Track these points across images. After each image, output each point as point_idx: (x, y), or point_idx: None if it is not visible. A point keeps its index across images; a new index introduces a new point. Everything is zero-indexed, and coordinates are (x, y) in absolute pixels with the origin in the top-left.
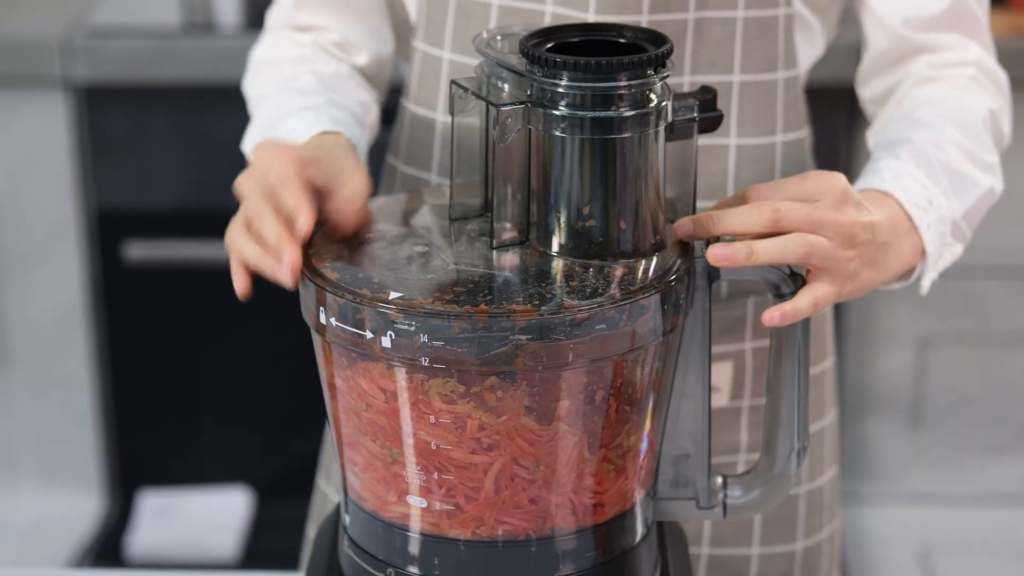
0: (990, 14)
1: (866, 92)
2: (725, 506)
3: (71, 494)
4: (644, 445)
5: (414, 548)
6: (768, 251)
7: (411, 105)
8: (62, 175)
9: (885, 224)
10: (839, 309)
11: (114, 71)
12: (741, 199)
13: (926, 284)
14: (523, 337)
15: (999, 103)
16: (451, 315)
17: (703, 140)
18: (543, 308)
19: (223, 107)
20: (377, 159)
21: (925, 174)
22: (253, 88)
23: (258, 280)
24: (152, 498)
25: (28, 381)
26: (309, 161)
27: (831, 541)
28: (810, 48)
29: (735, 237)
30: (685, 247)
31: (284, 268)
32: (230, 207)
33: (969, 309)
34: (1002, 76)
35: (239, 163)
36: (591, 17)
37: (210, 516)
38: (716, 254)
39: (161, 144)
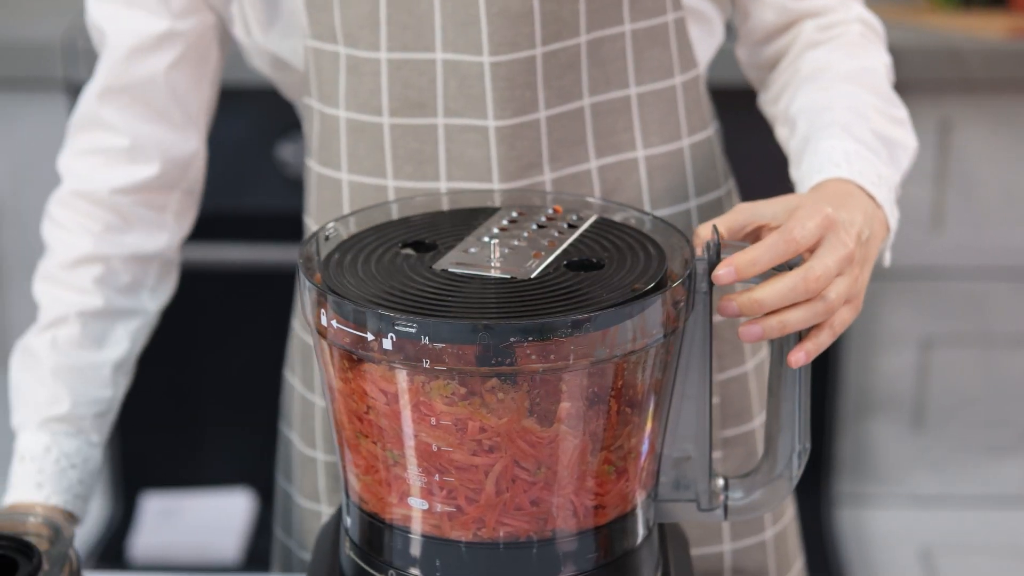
0: (990, 14)
1: (750, 58)
2: (726, 508)
3: None
4: (645, 447)
5: (415, 550)
6: (798, 322)
7: (315, 165)
8: None
9: (864, 219)
10: None
11: None
12: (754, 235)
13: (888, 256)
14: (524, 339)
15: (885, 54)
16: (452, 317)
17: (611, 158)
18: (544, 310)
19: (224, 110)
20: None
21: (867, 148)
22: (16, 367)
23: (258, 282)
24: (155, 500)
25: None
26: None
27: (793, 523)
28: (709, 39)
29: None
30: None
31: None
32: (231, 209)
33: (971, 310)
34: (880, 26)
35: (241, 165)
36: (486, 59)
37: (213, 518)
38: (748, 333)
39: None
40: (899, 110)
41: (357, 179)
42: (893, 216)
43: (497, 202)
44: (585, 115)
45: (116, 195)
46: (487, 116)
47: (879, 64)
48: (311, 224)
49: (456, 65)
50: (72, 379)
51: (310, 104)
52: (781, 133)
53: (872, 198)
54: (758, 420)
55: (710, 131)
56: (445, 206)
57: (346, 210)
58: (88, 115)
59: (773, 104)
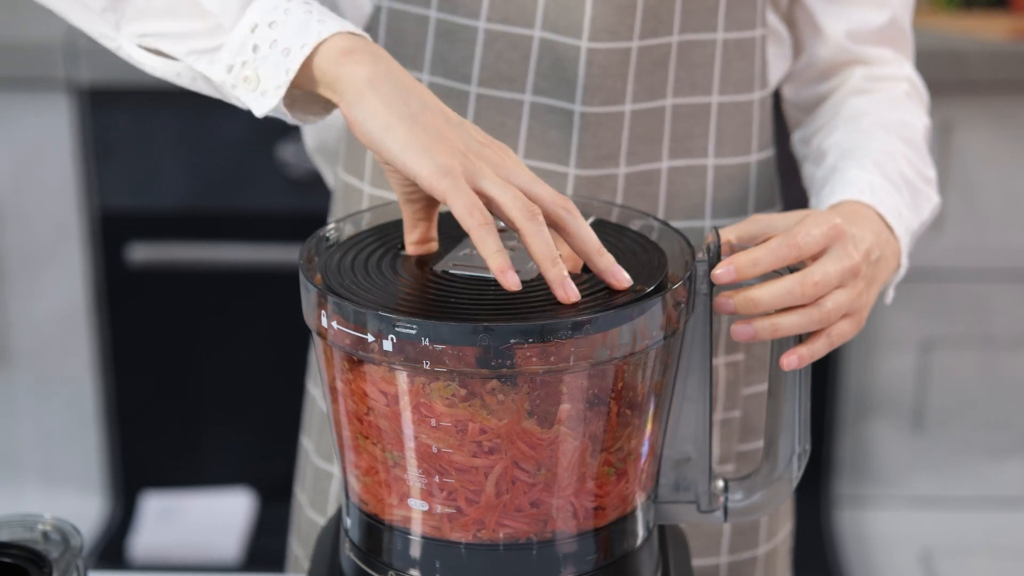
0: (991, 16)
1: (795, 96)
2: (726, 509)
3: (74, 496)
4: (645, 448)
5: (415, 551)
6: (791, 326)
7: (341, 173)
8: (66, 177)
9: (875, 241)
10: None
11: (118, 73)
12: (763, 238)
13: (891, 294)
14: (524, 340)
15: (927, 118)
16: (453, 318)
17: (682, 161)
18: (544, 311)
19: (227, 110)
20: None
21: (892, 186)
22: None
23: (259, 282)
24: (155, 500)
25: (31, 383)
26: None
27: (786, 543)
28: (782, 61)
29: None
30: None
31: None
32: (233, 209)
33: (972, 312)
34: (925, 92)
35: (242, 165)
36: (584, 44)
37: (213, 518)
38: (740, 332)
39: (165, 146)
40: (929, 169)
41: None
42: (906, 254)
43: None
44: (666, 115)
45: None
46: (575, 100)
47: (919, 123)
48: (364, 187)
49: (553, 45)
50: None
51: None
52: (808, 170)
53: (890, 228)
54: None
55: (772, 150)
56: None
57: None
58: None
59: (806, 143)
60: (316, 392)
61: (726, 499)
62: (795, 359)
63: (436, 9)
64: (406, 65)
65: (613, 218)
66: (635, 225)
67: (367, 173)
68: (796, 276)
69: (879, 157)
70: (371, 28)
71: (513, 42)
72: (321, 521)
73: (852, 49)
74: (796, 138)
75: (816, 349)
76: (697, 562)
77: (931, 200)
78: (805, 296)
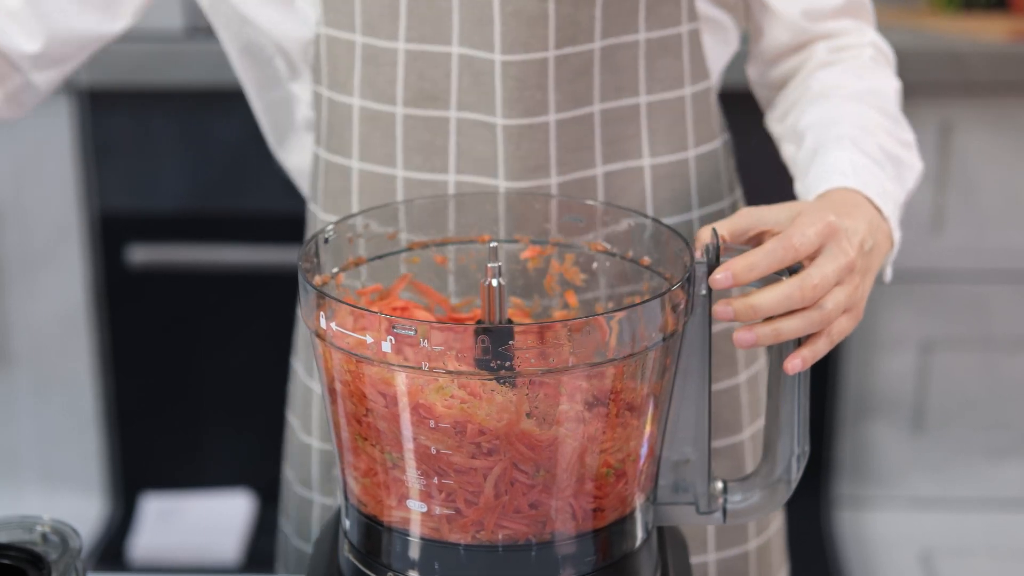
0: (991, 17)
1: (760, 77)
2: (725, 511)
3: (74, 497)
4: (644, 450)
5: (414, 552)
6: (794, 330)
7: (323, 153)
8: (65, 178)
9: (868, 229)
10: None
11: (117, 75)
12: (757, 240)
13: (889, 272)
14: (523, 342)
15: (897, 80)
16: (451, 320)
17: (617, 164)
18: (543, 313)
19: (226, 111)
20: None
21: (874, 163)
22: None
23: (259, 283)
24: (155, 501)
25: (31, 384)
26: None
27: (779, 535)
28: (724, 48)
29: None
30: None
31: None
32: (232, 210)
33: (972, 313)
34: (891, 53)
35: (242, 166)
36: (498, 58)
37: (212, 519)
38: (742, 339)
39: (164, 148)
40: (907, 133)
41: (368, 167)
42: (897, 231)
43: (502, 204)
44: (594, 121)
45: None
46: (496, 114)
47: (889, 87)
48: (317, 211)
49: (471, 60)
50: None
51: (319, 92)
52: (787, 150)
53: (878, 210)
54: (747, 432)
55: (718, 143)
56: (451, 207)
57: (355, 198)
58: None
59: (780, 122)
60: (298, 366)
61: (725, 500)
62: (799, 362)
63: (360, 33)
64: (340, 90)
65: (600, 216)
66: (625, 224)
67: (355, 151)
68: (795, 280)
69: (856, 134)
70: (315, 55)
71: (433, 60)
72: (307, 495)
73: (811, 28)
74: (768, 118)
75: (818, 349)
76: None
77: (914, 168)
78: (805, 300)
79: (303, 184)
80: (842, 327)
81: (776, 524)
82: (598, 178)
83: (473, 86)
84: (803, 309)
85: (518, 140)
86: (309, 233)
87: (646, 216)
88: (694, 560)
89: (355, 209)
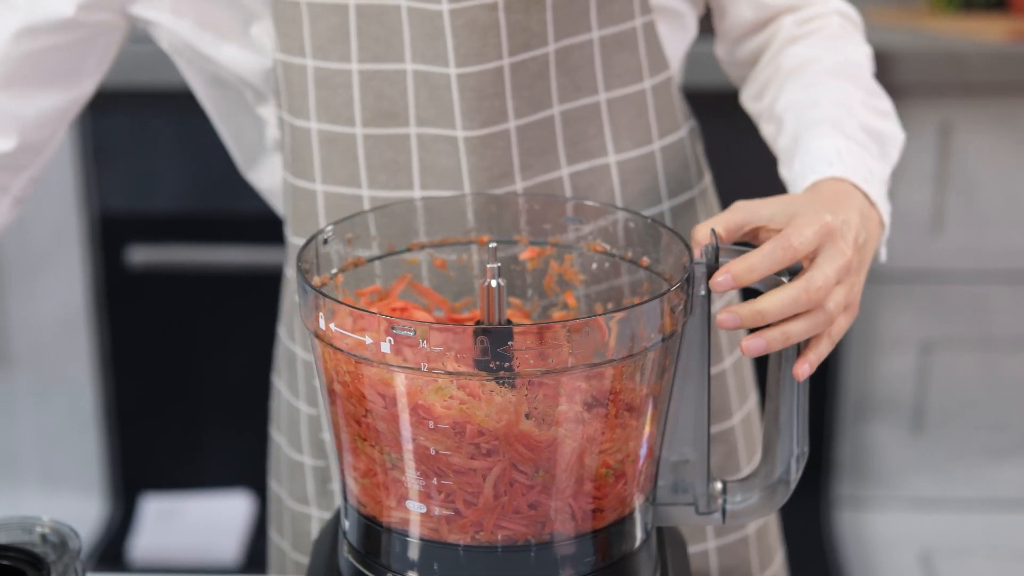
0: (991, 17)
1: (729, 56)
2: (724, 511)
3: (74, 498)
4: (643, 450)
5: (413, 553)
6: (801, 332)
7: (289, 177)
8: (65, 180)
9: (860, 221)
10: None
11: (116, 76)
12: (752, 235)
13: (884, 252)
14: (522, 343)
15: (866, 47)
16: (450, 320)
17: (582, 164)
18: (542, 314)
19: None
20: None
21: (857, 144)
22: None
23: (258, 284)
24: (155, 502)
25: (31, 385)
26: None
27: (775, 516)
28: (682, 35)
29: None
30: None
31: None
32: (232, 211)
33: (972, 313)
34: (858, 17)
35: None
36: (453, 71)
37: (212, 520)
38: (752, 346)
39: (164, 149)
40: (883, 102)
41: (332, 189)
42: (886, 212)
43: (470, 205)
44: (555, 123)
45: None
46: (456, 127)
47: (861, 56)
48: (290, 236)
49: (426, 76)
50: None
51: (281, 117)
52: (767, 130)
53: (866, 196)
54: (737, 417)
55: (683, 132)
56: (420, 213)
57: (322, 221)
58: None
59: (756, 100)
60: (280, 385)
61: (724, 501)
62: (807, 367)
63: (311, 57)
64: (298, 114)
65: (588, 213)
66: (621, 223)
67: (317, 173)
68: (800, 283)
69: (837, 116)
70: (274, 81)
71: (389, 79)
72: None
73: (772, 3)
74: (744, 96)
75: (821, 351)
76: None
77: (896, 140)
78: (810, 303)
79: (276, 204)
80: (841, 325)
81: None
82: (564, 179)
83: (430, 101)
84: (808, 312)
85: (481, 150)
86: (290, 255)
87: (638, 214)
88: (694, 549)
89: (370, 230)
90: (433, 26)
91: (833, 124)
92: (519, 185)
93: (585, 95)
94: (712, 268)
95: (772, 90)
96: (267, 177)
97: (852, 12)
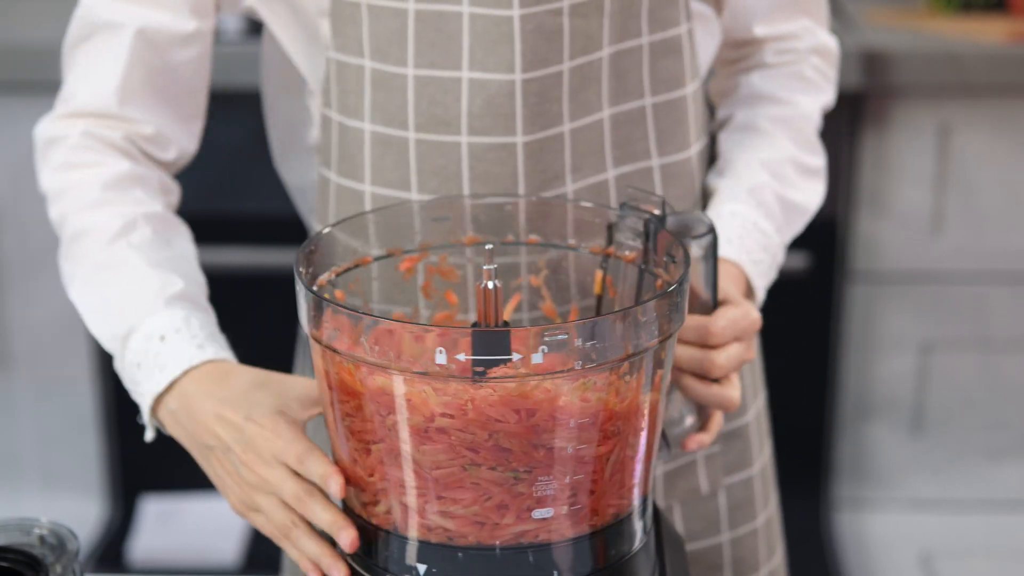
0: (990, 18)
1: (714, 84)
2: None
3: (73, 499)
4: (642, 451)
5: (411, 555)
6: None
7: (334, 176)
8: None
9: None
10: (841, 314)
11: None
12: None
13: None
14: (519, 344)
15: (829, 94)
16: (447, 324)
17: (626, 167)
18: (539, 316)
19: (226, 113)
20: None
21: (763, 215)
22: (94, 283)
23: (258, 285)
24: (154, 503)
25: (30, 386)
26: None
27: (777, 511)
28: (711, 40)
29: None
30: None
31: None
32: (232, 212)
33: (971, 314)
34: (836, 54)
35: (244, 169)
36: (519, 77)
37: (212, 522)
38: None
39: None
40: (816, 158)
41: (381, 192)
42: (761, 294)
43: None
44: (604, 126)
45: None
46: (516, 133)
47: (813, 108)
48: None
49: (483, 84)
50: (173, 265)
51: (328, 115)
52: (713, 126)
53: (752, 287)
54: (751, 413)
55: (706, 139)
56: (416, 214)
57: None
58: (100, 108)
59: (722, 140)
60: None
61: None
62: (706, 438)
63: (369, 58)
64: (351, 114)
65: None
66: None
67: (367, 175)
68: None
69: (761, 180)
70: (324, 78)
71: (443, 86)
72: None
73: (754, 31)
74: (720, 133)
75: (718, 422)
76: (700, 544)
77: (807, 211)
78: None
79: (300, 200)
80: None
81: (774, 500)
82: (610, 181)
83: (485, 110)
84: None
85: (538, 154)
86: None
87: (659, 215)
88: (710, 542)
89: (370, 231)
90: (499, 32)
91: (749, 192)
92: (569, 187)
93: (633, 99)
94: (707, 245)
95: (726, 107)
96: (298, 172)
97: (832, 46)
